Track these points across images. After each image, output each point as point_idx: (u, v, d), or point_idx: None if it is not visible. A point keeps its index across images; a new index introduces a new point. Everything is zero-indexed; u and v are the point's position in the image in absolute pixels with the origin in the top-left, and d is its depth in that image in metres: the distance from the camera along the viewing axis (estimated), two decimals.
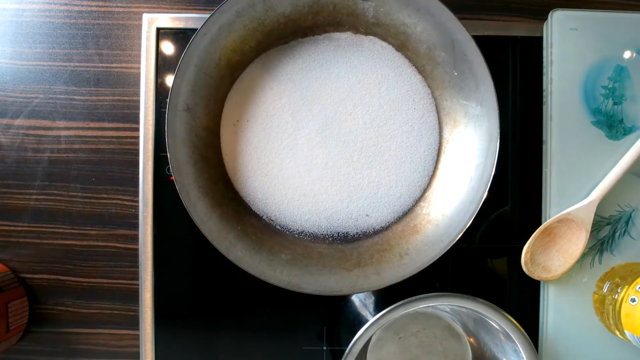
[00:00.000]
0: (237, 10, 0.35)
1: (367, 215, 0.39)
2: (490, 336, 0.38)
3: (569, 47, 0.39)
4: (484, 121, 0.36)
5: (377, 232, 0.39)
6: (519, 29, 0.42)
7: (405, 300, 0.33)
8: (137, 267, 0.41)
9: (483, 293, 0.38)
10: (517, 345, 0.34)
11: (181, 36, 0.41)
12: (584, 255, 0.39)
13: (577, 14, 0.39)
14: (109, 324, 0.43)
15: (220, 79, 0.38)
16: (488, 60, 0.34)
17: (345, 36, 0.39)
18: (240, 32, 0.37)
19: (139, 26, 0.42)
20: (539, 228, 0.39)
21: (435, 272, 0.41)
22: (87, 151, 0.43)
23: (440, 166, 0.39)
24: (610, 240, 0.40)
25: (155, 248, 0.41)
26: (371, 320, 0.33)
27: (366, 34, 0.39)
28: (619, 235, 0.40)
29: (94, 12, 0.43)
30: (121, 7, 0.43)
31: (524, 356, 0.34)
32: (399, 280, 0.35)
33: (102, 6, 0.43)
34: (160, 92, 0.41)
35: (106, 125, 0.43)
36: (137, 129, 0.42)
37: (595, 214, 0.38)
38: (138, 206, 0.41)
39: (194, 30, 0.35)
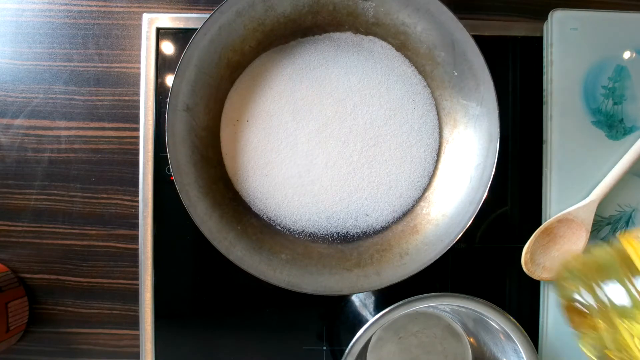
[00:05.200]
0: (237, 10, 0.35)
1: (367, 215, 0.39)
2: (490, 336, 0.38)
3: (569, 47, 0.39)
4: (484, 121, 0.36)
5: (377, 232, 0.39)
6: (519, 29, 0.42)
7: (405, 300, 0.33)
8: (137, 267, 0.41)
9: (483, 293, 0.38)
10: (517, 345, 0.34)
11: (181, 36, 0.41)
12: None
13: (577, 14, 0.39)
14: (109, 324, 0.43)
15: (220, 79, 0.38)
16: (488, 60, 0.34)
17: (345, 36, 0.39)
18: (240, 32, 0.37)
19: (139, 26, 0.42)
20: (539, 228, 0.39)
21: (435, 272, 0.41)
22: (87, 151, 0.43)
23: (440, 166, 0.39)
24: (610, 240, 0.40)
25: (155, 248, 0.41)
26: (371, 320, 0.33)
27: (366, 34, 0.39)
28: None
29: (94, 12, 0.43)
30: (121, 7, 0.43)
31: (524, 356, 0.34)
32: (399, 280, 0.35)
33: (102, 6, 0.43)
34: (160, 92, 0.41)
35: (106, 125, 0.43)
36: (137, 129, 0.42)
37: (596, 214, 0.38)
38: (138, 206, 0.41)
39: (194, 30, 0.35)
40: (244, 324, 0.42)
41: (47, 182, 0.43)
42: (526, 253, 0.39)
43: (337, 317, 0.42)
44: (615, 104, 0.39)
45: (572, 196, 0.39)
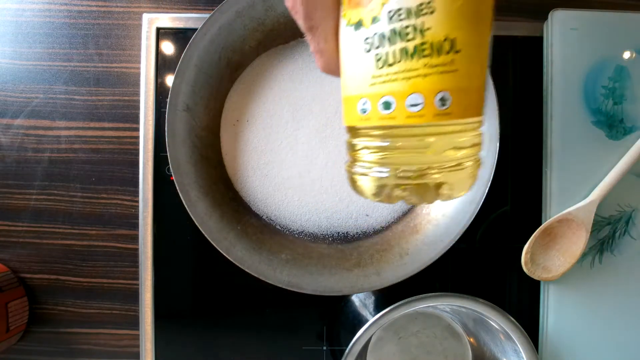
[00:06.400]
0: (237, 10, 0.35)
1: (367, 215, 0.39)
2: (490, 336, 0.38)
3: (569, 47, 0.39)
4: (484, 121, 0.36)
5: (377, 232, 0.39)
6: (519, 29, 0.42)
7: (405, 300, 0.33)
8: (137, 267, 0.41)
9: (483, 293, 0.38)
10: (517, 345, 0.34)
11: (181, 36, 0.41)
12: (584, 255, 0.39)
13: (577, 14, 0.39)
14: (109, 324, 0.43)
15: (220, 79, 0.38)
16: None
17: None
18: (240, 32, 0.37)
19: (139, 26, 0.42)
20: (539, 228, 0.39)
21: (435, 272, 0.41)
22: (87, 151, 0.43)
23: None
24: (610, 240, 0.40)
25: (155, 248, 0.41)
26: (371, 320, 0.33)
27: None
28: (619, 235, 0.40)
29: (94, 12, 0.43)
30: (121, 7, 0.43)
31: (524, 356, 0.34)
32: (399, 280, 0.35)
33: (102, 6, 0.43)
34: (160, 92, 0.41)
35: (106, 125, 0.43)
36: (137, 129, 0.42)
37: (596, 214, 0.38)
38: (138, 206, 0.41)
39: (194, 30, 0.35)
40: (244, 324, 0.42)
41: (47, 182, 0.43)
42: (526, 253, 0.39)
43: (337, 317, 0.42)
44: (615, 104, 0.39)
45: (572, 196, 0.39)
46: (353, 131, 0.22)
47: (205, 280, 0.42)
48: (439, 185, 0.20)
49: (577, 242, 0.39)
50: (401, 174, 0.20)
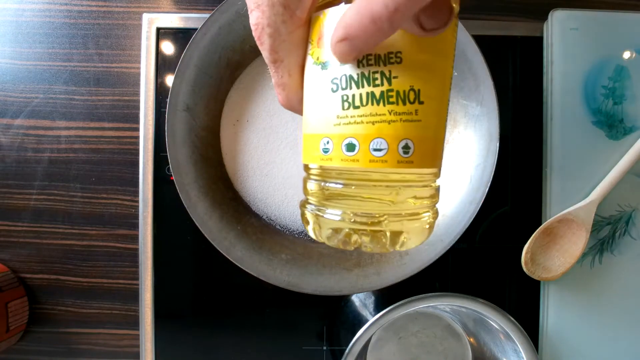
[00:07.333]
0: (237, 10, 0.35)
1: None
2: (490, 336, 0.38)
3: (569, 47, 0.39)
4: (484, 121, 0.36)
5: None
6: (519, 29, 0.42)
7: (405, 300, 0.33)
8: (137, 267, 0.41)
9: (483, 293, 0.38)
10: (517, 345, 0.34)
11: (181, 36, 0.41)
12: (584, 255, 0.39)
13: (577, 14, 0.39)
14: (109, 324, 0.43)
15: (220, 79, 0.38)
16: (488, 60, 0.34)
17: None
18: (240, 32, 0.37)
19: (139, 26, 0.42)
20: (539, 228, 0.39)
21: (435, 272, 0.41)
22: (87, 151, 0.43)
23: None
24: (610, 240, 0.40)
25: (155, 248, 0.41)
26: (371, 320, 0.33)
27: None
28: (619, 235, 0.40)
29: (94, 12, 0.43)
30: (121, 7, 0.43)
31: (524, 356, 0.34)
32: (399, 280, 0.35)
33: (102, 6, 0.43)
34: (160, 92, 0.41)
35: (106, 125, 0.43)
36: (137, 129, 0.42)
37: (596, 214, 0.38)
38: (138, 206, 0.41)
39: (194, 30, 0.35)
40: (244, 324, 0.42)
41: (47, 182, 0.43)
42: (526, 253, 0.39)
43: (337, 317, 0.42)
44: (615, 104, 0.39)
45: (572, 196, 0.39)
46: (312, 170, 0.21)
47: (205, 280, 0.42)
48: (395, 234, 0.20)
49: (577, 242, 0.39)
50: (358, 219, 0.20)
